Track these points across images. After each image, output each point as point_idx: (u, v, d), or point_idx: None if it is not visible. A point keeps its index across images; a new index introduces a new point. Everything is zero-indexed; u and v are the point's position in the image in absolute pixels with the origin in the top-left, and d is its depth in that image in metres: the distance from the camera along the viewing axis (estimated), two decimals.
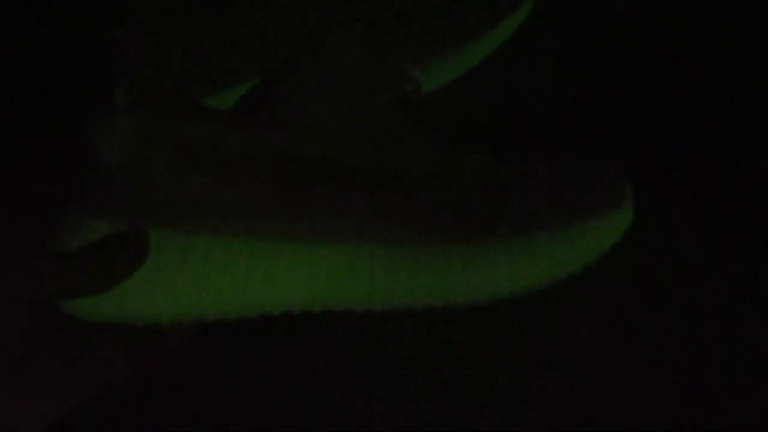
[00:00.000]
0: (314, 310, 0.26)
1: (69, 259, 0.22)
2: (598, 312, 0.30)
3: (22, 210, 0.32)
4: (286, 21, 0.34)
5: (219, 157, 0.25)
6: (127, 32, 0.33)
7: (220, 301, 0.24)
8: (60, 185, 0.34)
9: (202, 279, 0.24)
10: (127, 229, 0.24)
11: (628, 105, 0.36)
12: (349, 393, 0.29)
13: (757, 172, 0.33)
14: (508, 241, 0.27)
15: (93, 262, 0.23)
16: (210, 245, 0.24)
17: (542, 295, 0.30)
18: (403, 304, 0.27)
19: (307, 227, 0.25)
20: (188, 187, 0.24)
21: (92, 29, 0.39)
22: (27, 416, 0.23)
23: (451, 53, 0.36)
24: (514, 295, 0.27)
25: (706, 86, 0.36)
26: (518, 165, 0.28)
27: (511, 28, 0.38)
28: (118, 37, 0.33)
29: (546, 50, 0.38)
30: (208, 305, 0.24)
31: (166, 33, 0.34)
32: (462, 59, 0.37)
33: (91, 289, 0.23)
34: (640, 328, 0.30)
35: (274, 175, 0.25)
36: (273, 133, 0.25)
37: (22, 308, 0.22)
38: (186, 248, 0.24)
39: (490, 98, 0.37)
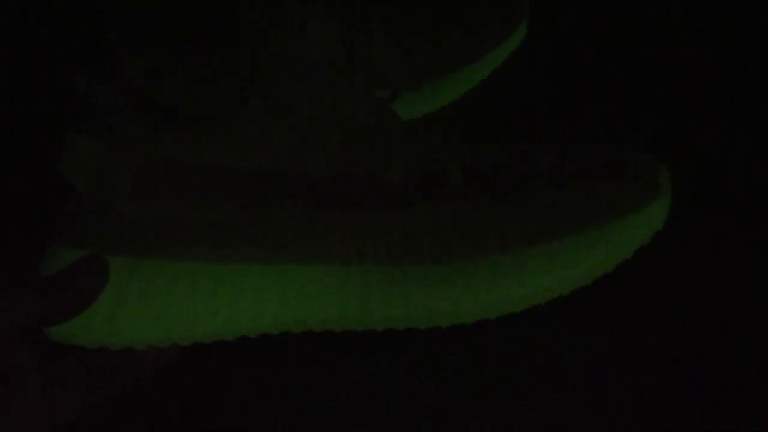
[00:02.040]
0: (293, 331, 0.25)
1: (34, 288, 0.23)
2: (598, 316, 0.30)
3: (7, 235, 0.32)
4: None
5: (183, 180, 0.23)
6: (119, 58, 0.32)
7: (190, 325, 0.24)
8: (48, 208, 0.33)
9: (169, 304, 0.24)
10: (87, 256, 0.23)
11: (627, 106, 0.36)
12: (350, 394, 0.29)
13: (758, 172, 0.33)
14: (515, 255, 0.24)
15: (55, 291, 0.23)
16: (175, 270, 0.24)
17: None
18: (387, 326, 0.25)
19: (273, 249, 0.24)
20: (150, 212, 0.23)
21: (92, 30, 0.39)
22: None
23: (445, 79, 0.35)
24: (527, 307, 0.24)
25: (707, 86, 0.36)
26: (520, 160, 0.25)
27: (508, 51, 0.37)
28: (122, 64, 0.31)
29: (545, 51, 0.38)
30: (178, 330, 0.24)
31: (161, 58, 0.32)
32: (458, 82, 0.36)
33: (54, 317, 0.23)
34: (643, 330, 0.30)
35: (242, 196, 0.24)
36: (236, 148, 0.24)
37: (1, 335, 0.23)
38: (150, 275, 0.24)
39: (489, 100, 0.37)
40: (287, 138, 0.24)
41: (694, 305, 0.30)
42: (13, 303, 0.22)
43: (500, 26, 0.35)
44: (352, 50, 0.24)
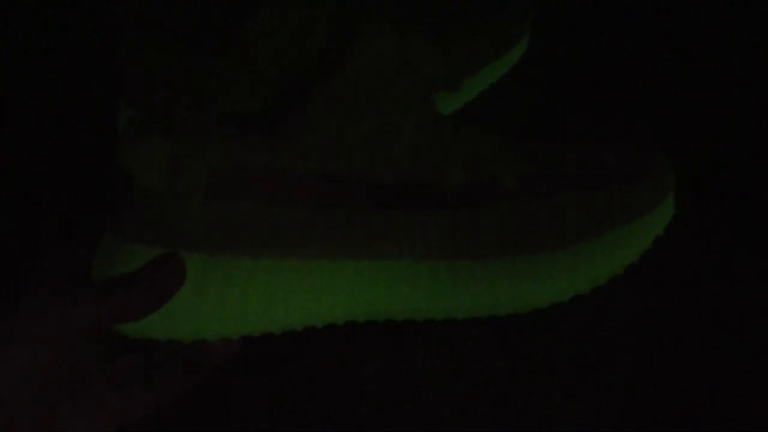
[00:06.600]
0: (358, 321, 0.26)
1: (109, 287, 0.23)
2: (595, 317, 0.30)
3: (67, 238, 0.32)
4: (302, 38, 0.33)
5: (253, 181, 0.24)
6: (129, 54, 0.32)
7: (265, 318, 0.24)
8: (99, 210, 0.34)
9: (246, 299, 0.24)
10: (166, 253, 0.23)
11: (626, 106, 0.36)
12: (348, 396, 0.29)
13: (758, 171, 0.33)
14: (555, 253, 0.26)
15: (130, 289, 0.23)
16: (252, 267, 0.24)
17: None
18: (447, 316, 0.26)
19: (344, 246, 0.25)
20: (224, 211, 0.24)
21: (92, 30, 0.39)
22: None
23: (468, 78, 0.36)
24: (553, 303, 0.26)
25: (707, 86, 0.36)
26: (560, 161, 0.27)
27: (515, 57, 0.38)
28: (125, 59, 0.31)
29: (543, 53, 0.38)
30: (254, 323, 0.24)
31: (172, 54, 0.33)
32: (472, 86, 0.37)
33: (129, 315, 0.23)
34: (640, 331, 0.30)
35: (309, 196, 0.24)
36: (306, 153, 0.24)
37: (70, 336, 0.23)
38: (228, 270, 0.24)
39: (488, 101, 0.38)
40: (354, 144, 0.25)
41: (692, 305, 0.30)
42: (86, 303, 0.22)
43: (515, 27, 0.37)
44: (405, 56, 0.25)
